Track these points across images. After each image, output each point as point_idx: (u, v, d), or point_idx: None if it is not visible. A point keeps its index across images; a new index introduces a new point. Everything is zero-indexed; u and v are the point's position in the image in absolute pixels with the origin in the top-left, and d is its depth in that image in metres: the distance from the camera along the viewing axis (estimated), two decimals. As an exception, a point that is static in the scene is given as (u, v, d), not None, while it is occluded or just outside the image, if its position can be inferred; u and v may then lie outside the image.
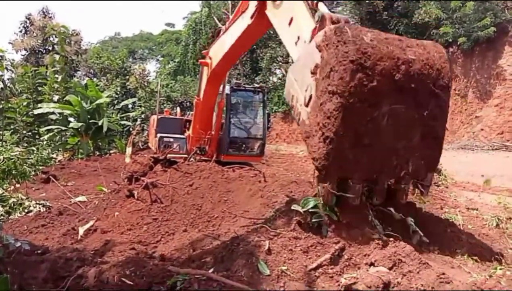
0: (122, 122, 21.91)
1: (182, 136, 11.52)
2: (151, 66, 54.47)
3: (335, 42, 3.18)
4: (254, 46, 28.35)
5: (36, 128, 20.18)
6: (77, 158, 18.33)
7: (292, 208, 3.73)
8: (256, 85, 15.66)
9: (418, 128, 3.46)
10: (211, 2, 35.72)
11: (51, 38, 29.48)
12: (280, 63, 29.94)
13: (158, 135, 11.51)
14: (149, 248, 4.79)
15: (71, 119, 18.90)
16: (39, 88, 21.16)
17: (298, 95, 3.75)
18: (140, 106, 26.64)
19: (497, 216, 5.23)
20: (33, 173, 9.79)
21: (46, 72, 21.71)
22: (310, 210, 3.51)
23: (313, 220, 3.47)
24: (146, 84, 28.30)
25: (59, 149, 19.68)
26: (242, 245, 3.32)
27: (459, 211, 5.28)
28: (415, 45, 3.38)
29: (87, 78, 26.70)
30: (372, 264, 3.04)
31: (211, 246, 4.03)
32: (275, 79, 32.79)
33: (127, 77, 28.63)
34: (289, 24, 4.76)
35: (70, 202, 7.62)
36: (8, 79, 21.45)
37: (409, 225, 3.70)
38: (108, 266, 3.14)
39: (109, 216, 5.89)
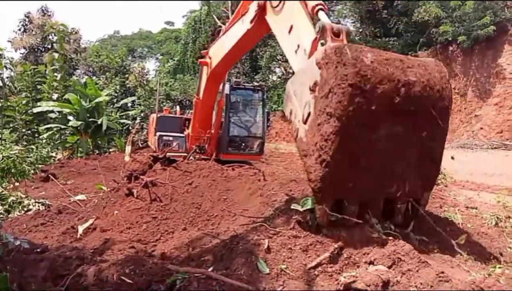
0: (122, 121, 21.91)
1: (181, 135, 11.53)
2: (151, 65, 54.61)
3: (335, 62, 3.13)
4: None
5: (36, 127, 20.17)
6: (76, 156, 18.34)
7: (292, 207, 3.73)
8: (255, 83, 15.67)
9: (416, 149, 3.45)
10: (211, 1, 35.68)
11: (50, 37, 29.55)
12: (280, 61, 29.93)
13: (158, 134, 11.52)
14: (148, 247, 4.78)
15: (71, 117, 18.89)
16: (38, 87, 21.14)
17: (297, 111, 3.72)
18: (140, 104, 26.67)
19: (496, 214, 5.23)
20: (32, 171, 9.81)
21: (45, 70, 21.68)
22: (309, 209, 3.52)
23: (313, 220, 3.48)
24: (145, 82, 28.31)
25: (59, 148, 19.69)
26: (241, 243, 3.32)
27: (458, 210, 5.27)
28: (416, 66, 3.33)
29: (86, 77, 26.61)
30: (371, 263, 3.04)
31: (211, 245, 4.03)
32: (274, 77, 32.81)
33: (127, 75, 28.63)
34: (289, 31, 4.69)
35: (70, 200, 7.62)
36: (7, 77, 21.51)
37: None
38: (107, 264, 3.14)
39: (109, 214, 5.89)
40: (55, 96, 20.65)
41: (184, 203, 5.86)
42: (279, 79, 31.68)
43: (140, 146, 20.28)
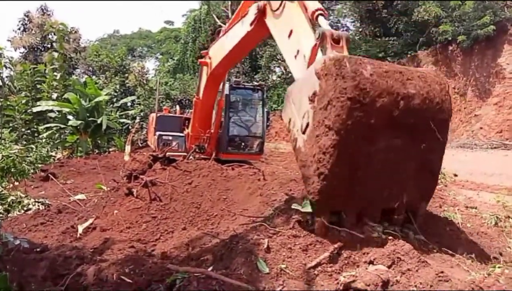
0: (121, 120, 21.89)
1: (181, 134, 11.52)
2: (150, 64, 54.50)
3: (334, 74, 3.11)
4: (254, 44, 28.28)
5: (35, 126, 20.15)
6: (76, 156, 18.33)
7: (292, 206, 3.73)
8: (255, 83, 15.65)
9: (415, 162, 3.45)
10: (211, 1, 35.65)
11: (50, 36, 29.50)
12: (280, 61, 29.88)
13: (157, 133, 11.51)
14: (148, 246, 4.79)
15: (70, 117, 18.87)
16: (38, 86, 21.11)
17: (296, 120, 3.71)
18: (139, 104, 26.63)
19: (496, 214, 5.24)
20: (32, 171, 9.83)
21: (45, 70, 21.65)
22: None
23: (312, 221, 3.49)
24: (145, 82, 28.28)
25: (58, 147, 19.68)
26: (241, 243, 3.32)
27: (458, 210, 5.27)
28: (416, 78, 3.31)
29: (86, 76, 26.59)
30: (371, 262, 3.04)
31: (210, 244, 4.04)
32: (274, 77, 32.79)
33: (126, 75, 28.58)
34: (289, 36, 4.66)
35: (69, 200, 7.62)
36: (6, 77, 21.48)
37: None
38: (107, 264, 3.14)
39: (108, 214, 5.89)
40: (54, 95, 20.62)
41: (184, 203, 5.86)
42: (279, 78, 31.67)
43: (140, 145, 20.27)
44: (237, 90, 11.33)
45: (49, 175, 11.17)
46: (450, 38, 21.72)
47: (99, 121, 18.24)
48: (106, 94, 20.93)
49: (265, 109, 11.73)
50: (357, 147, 3.17)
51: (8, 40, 31.24)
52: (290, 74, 6.05)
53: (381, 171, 3.32)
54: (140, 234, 5.24)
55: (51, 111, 19.10)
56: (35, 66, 22.21)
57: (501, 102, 20.27)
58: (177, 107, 17.01)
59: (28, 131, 20.11)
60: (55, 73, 21.35)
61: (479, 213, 5.44)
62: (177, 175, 6.75)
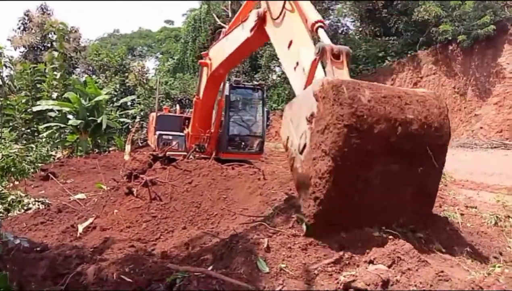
0: (121, 119, 21.90)
1: (181, 134, 11.51)
2: (150, 64, 54.48)
3: (331, 99, 3.09)
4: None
5: (35, 126, 20.16)
6: (76, 155, 18.34)
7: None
8: (255, 82, 15.65)
9: (412, 186, 3.45)
10: (211, 0, 35.64)
11: (50, 35, 29.50)
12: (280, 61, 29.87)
13: (157, 133, 11.50)
14: (148, 246, 4.79)
15: (70, 116, 18.89)
16: (38, 86, 21.11)
17: (293, 139, 3.70)
18: (139, 103, 26.62)
19: (496, 214, 5.23)
20: (32, 170, 9.83)
21: (45, 69, 21.65)
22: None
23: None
24: (145, 81, 28.28)
25: (58, 146, 19.69)
26: (241, 242, 3.32)
27: (458, 209, 5.27)
28: (415, 102, 3.29)
29: (86, 75, 26.61)
30: (371, 262, 3.04)
31: (210, 244, 4.04)
32: (274, 76, 32.77)
33: (126, 74, 28.57)
34: (288, 46, 4.61)
35: (69, 199, 7.63)
36: (6, 76, 21.44)
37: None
38: (107, 263, 3.14)
39: (108, 213, 5.90)
40: (54, 95, 20.63)
41: (184, 202, 5.86)
42: (279, 78, 31.63)
43: (140, 144, 20.27)
44: (237, 89, 11.32)
45: (49, 174, 11.18)
46: (450, 38, 21.73)
47: (99, 120, 18.25)
48: (106, 94, 20.93)
49: (265, 109, 11.72)
50: (354, 173, 3.17)
51: (8, 40, 31.31)
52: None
53: (378, 195, 3.33)
54: (140, 233, 5.24)
55: (51, 110, 19.12)
56: (35, 65, 22.21)
57: (501, 102, 20.28)
58: (177, 106, 17.01)
59: (28, 130, 20.11)
60: (55, 73, 21.36)
61: (479, 213, 5.44)
62: (177, 174, 6.75)
